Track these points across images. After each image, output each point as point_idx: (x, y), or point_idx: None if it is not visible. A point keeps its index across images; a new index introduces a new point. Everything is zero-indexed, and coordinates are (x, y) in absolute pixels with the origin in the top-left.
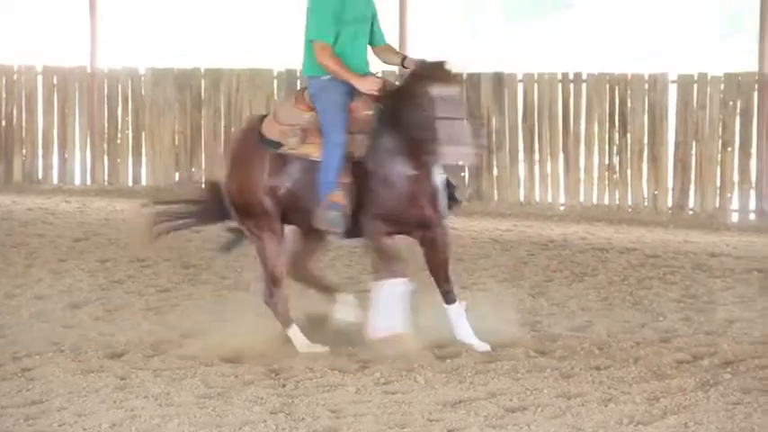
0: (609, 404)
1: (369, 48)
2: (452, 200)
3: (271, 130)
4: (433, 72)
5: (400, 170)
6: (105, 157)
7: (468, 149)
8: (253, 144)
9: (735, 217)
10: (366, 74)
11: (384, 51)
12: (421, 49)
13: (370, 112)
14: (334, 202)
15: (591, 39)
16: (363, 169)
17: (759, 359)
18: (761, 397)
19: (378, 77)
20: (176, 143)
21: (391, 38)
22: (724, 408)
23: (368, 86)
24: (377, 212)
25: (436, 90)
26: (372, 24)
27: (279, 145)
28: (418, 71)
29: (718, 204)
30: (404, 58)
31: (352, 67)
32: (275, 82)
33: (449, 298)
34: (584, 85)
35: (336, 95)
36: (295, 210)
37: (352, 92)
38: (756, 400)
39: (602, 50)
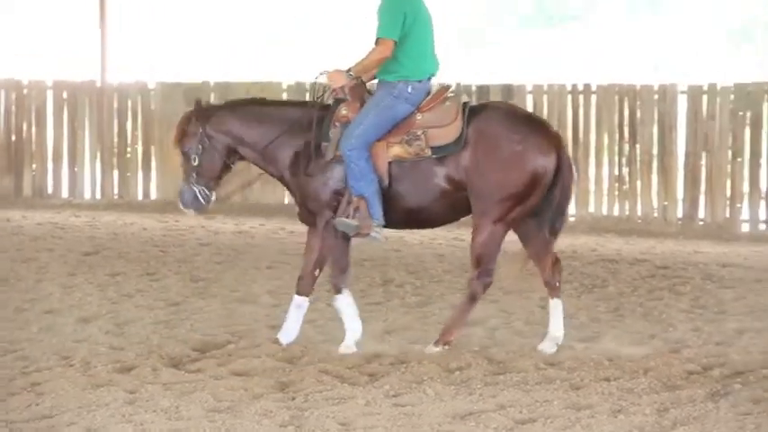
0: (619, 415)
1: None
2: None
3: None
4: None
5: None
6: (115, 172)
7: None
8: None
9: (745, 227)
10: (378, 76)
11: None
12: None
13: None
14: None
15: (597, 50)
16: None
17: None
18: None
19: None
20: None
21: None
22: (734, 419)
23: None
24: None
25: None
26: None
27: None
28: None
29: (728, 215)
30: None
31: None
32: (284, 95)
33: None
34: (593, 97)
35: None
36: None
37: None
38: (767, 410)
39: (609, 61)
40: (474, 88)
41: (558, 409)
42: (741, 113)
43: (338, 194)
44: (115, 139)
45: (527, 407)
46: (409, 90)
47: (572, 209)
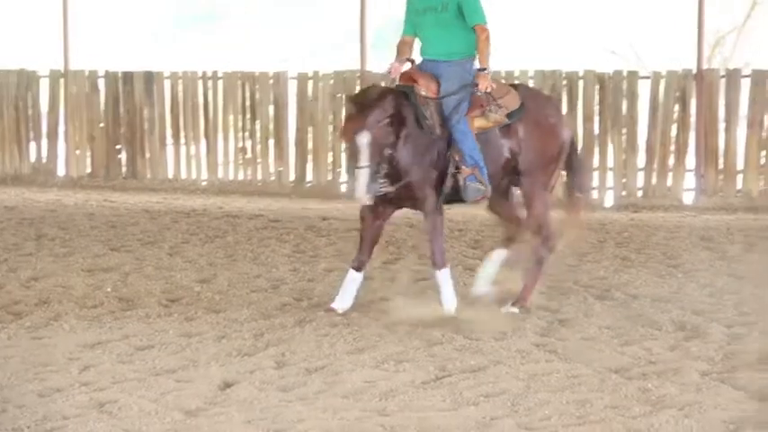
0: (222, 340)
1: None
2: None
3: None
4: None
5: None
6: None
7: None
8: None
9: (343, 188)
10: (439, 57)
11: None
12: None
13: None
14: None
15: (232, 44)
16: None
17: None
18: (345, 329)
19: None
20: None
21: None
22: (314, 339)
23: (392, 68)
24: None
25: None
26: (459, 8)
27: None
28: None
29: (330, 178)
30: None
31: (426, 51)
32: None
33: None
34: (219, 82)
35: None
36: None
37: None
38: (341, 332)
39: (241, 53)
40: (120, 74)
41: (173, 336)
42: (339, 95)
43: (442, 174)
44: None
45: (147, 336)
46: (472, 66)
47: (204, 175)
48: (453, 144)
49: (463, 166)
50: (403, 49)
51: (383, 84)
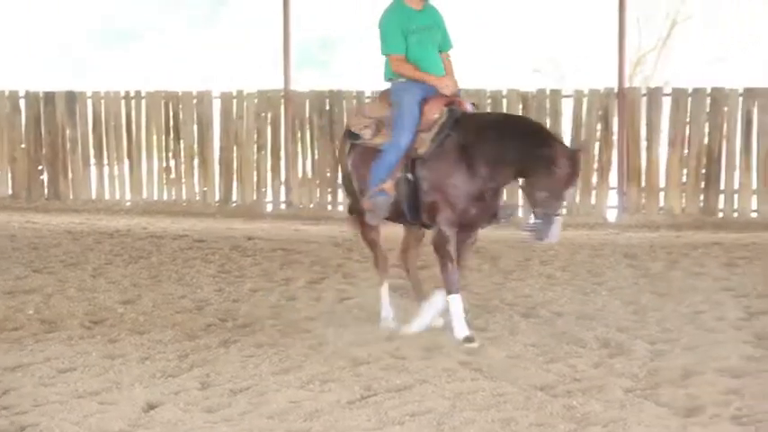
0: (146, 362)
1: None
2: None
3: (354, 124)
4: (574, 166)
5: (456, 172)
6: None
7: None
8: (343, 138)
9: (269, 207)
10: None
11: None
12: None
13: (437, 116)
14: (381, 189)
15: (159, 62)
16: (423, 165)
17: (273, 320)
18: (270, 349)
19: (454, 80)
20: None
21: None
22: (240, 360)
23: (446, 84)
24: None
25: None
26: (439, 31)
27: (357, 137)
28: (568, 152)
29: (255, 198)
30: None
31: (426, 70)
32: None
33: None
34: (143, 101)
35: (413, 97)
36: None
37: (427, 93)
38: (266, 352)
39: (167, 71)
40: (41, 94)
41: (96, 358)
42: (263, 114)
43: None
44: None
45: (69, 358)
46: None
47: (128, 195)
48: None
49: None
50: (416, 66)
51: (443, 104)
